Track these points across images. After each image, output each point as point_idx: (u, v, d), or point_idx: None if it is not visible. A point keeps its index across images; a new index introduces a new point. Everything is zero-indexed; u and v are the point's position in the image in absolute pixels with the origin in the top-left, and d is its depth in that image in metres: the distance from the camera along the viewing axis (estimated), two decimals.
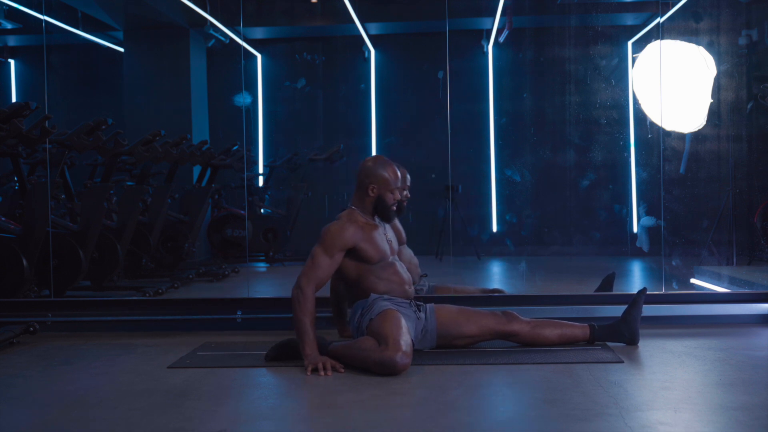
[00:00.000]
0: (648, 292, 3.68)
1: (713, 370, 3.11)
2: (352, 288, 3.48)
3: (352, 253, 3.41)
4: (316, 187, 7.94)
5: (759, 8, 6.98)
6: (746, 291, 4.76)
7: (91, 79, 7.94)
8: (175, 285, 5.73)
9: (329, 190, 8.11)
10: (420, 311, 3.47)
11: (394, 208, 3.51)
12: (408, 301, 3.45)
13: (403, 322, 3.24)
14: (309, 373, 3.11)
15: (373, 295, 3.39)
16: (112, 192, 5.65)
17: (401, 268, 3.54)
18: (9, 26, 7.12)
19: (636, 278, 6.35)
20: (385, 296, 3.39)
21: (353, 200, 3.54)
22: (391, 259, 3.51)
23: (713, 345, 3.55)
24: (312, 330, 3.23)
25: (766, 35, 6.87)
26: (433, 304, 3.55)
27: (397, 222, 4.21)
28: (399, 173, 3.53)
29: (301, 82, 8.22)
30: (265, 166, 8.09)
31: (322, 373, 3.09)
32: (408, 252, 4.27)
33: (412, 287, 3.56)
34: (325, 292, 3.78)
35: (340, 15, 7.89)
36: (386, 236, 3.55)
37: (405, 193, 3.83)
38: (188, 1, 7.23)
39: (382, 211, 3.50)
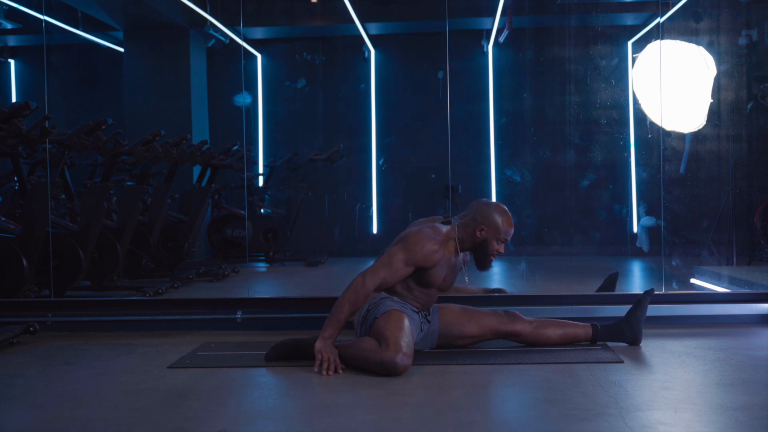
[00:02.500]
0: None
1: (713, 370, 3.11)
2: None
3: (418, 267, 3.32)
4: (316, 187, 7.94)
5: (759, 8, 6.97)
6: (746, 291, 4.76)
7: (91, 79, 7.94)
8: (175, 285, 5.73)
9: (329, 190, 8.12)
10: (428, 321, 3.44)
11: (492, 258, 3.40)
12: (418, 311, 3.42)
13: (407, 323, 3.21)
14: (316, 368, 3.10)
15: (383, 294, 3.35)
16: (112, 192, 5.65)
17: (434, 295, 3.47)
18: (9, 26, 7.12)
19: (636, 278, 6.35)
20: (396, 298, 3.34)
21: (460, 227, 3.39)
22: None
23: (713, 345, 3.55)
24: (344, 320, 3.19)
25: (766, 35, 6.87)
26: (436, 305, 3.52)
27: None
28: (512, 228, 3.39)
29: (301, 82, 8.22)
30: (265, 166, 8.09)
31: (325, 373, 3.09)
32: None
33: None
34: None
35: (340, 15, 7.88)
36: (453, 274, 3.43)
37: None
38: (188, 1, 7.23)
39: (481, 257, 3.40)
